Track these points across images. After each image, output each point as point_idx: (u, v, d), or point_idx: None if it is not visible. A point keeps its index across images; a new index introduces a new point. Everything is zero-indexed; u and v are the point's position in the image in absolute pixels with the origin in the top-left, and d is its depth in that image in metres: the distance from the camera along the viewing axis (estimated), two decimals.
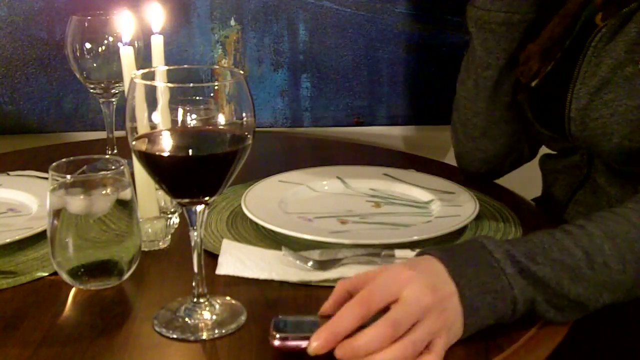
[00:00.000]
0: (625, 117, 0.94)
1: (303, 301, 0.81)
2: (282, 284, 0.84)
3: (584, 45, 0.99)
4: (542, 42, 1.03)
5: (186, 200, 0.74)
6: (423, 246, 0.88)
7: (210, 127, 0.74)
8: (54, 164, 0.82)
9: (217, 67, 1.45)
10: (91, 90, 1.17)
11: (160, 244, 0.94)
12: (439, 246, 0.80)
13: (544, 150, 1.18)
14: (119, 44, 1.07)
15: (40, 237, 0.92)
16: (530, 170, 1.22)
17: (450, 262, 0.73)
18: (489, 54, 1.07)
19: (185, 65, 0.84)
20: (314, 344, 0.67)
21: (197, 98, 0.71)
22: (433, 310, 0.69)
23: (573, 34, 1.00)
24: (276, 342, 0.70)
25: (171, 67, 0.76)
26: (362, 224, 0.99)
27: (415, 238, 0.91)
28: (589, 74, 0.98)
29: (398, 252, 0.87)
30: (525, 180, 1.23)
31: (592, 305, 0.77)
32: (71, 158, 0.84)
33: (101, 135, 1.28)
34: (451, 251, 0.75)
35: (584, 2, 1.00)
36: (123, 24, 0.99)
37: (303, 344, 0.68)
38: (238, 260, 0.87)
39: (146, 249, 0.92)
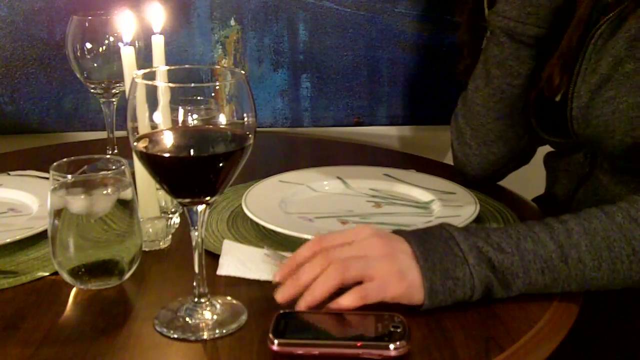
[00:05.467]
0: (627, 114, 0.94)
1: None
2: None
3: (583, 44, 0.99)
4: (562, 54, 1.02)
5: (187, 200, 0.74)
6: None
7: (211, 127, 0.74)
8: (55, 163, 0.82)
9: (218, 67, 1.46)
10: (92, 90, 1.17)
11: (161, 243, 0.94)
12: (411, 230, 0.83)
13: (549, 147, 1.18)
14: (120, 44, 1.07)
15: (41, 237, 0.92)
16: (531, 169, 1.22)
17: (419, 246, 0.78)
18: (521, 64, 1.07)
19: (186, 65, 0.84)
20: (279, 297, 0.78)
21: (198, 98, 0.71)
22: (379, 255, 0.78)
23: (584, 52, 0.99)
24: (274, 347, 0.70)
25: (172, 67, 0.76)
26: (362, 224, 0.99)
27: None
28: (589, 72, 0.98)
29: None
30: (526, 180, 1.23)
31: (555, 292, 0.81)
32: (72, 158, 0.84)
33: (101, 135, 1.28)
34: (421, 236, 0.80)
35: (593, 5, 0.99)
36: (124, 24, 0.99)
37: (301, 350, 0.70)
38: (239, 261, 0.87)
39: (147, 249, 0.92)
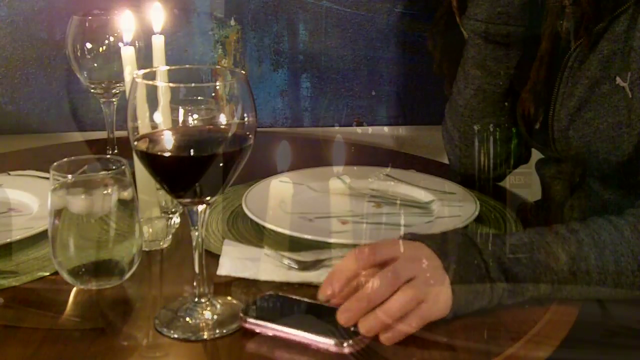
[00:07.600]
0: (607, 134, 0.95)
1: None
2: (283, 283, 0.84)
3: (553, 74, 1.00)
4: (532, 87, 1.04)
5: (187, 200, 0.74)
6: None
7: (212, 127, 0.74)
8: (55, 163, 0.82)
9: (218, 67, 1.46)
10: (92, 90, 1.17)
11: (161, 243, 0.94)
12: (428, 234, 0.81)
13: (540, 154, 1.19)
14: (120, 44, 1.07)
15: (41, 236, 0.92)
16: (530, 172, 1.22)
17: (446, 258, 0.76)
18: (499, 63, 1.07)
19: (187, 65, 0.84)
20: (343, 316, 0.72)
21: (198, 98, 0.71)
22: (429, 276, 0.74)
23: (561, 76, 1.00)
24: (245, 325, 0.74)
25: (172, 67, 0.76)
26: (363, 224, 0.99)
27: None
28: (567, 95, 0.99)
29: None
30: (526, 183, 1.23)
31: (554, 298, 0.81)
32: (72, 158, 0.84)
33: (101, 135, 1.28)
34: (444, 245, 0.78)
35: (555, 38, 1.01)
36: (124, 24, 0.99)
37: (269, 332, 0.73)
38: (239, 261, 0.87)
39: (147, 249, 0.92)
